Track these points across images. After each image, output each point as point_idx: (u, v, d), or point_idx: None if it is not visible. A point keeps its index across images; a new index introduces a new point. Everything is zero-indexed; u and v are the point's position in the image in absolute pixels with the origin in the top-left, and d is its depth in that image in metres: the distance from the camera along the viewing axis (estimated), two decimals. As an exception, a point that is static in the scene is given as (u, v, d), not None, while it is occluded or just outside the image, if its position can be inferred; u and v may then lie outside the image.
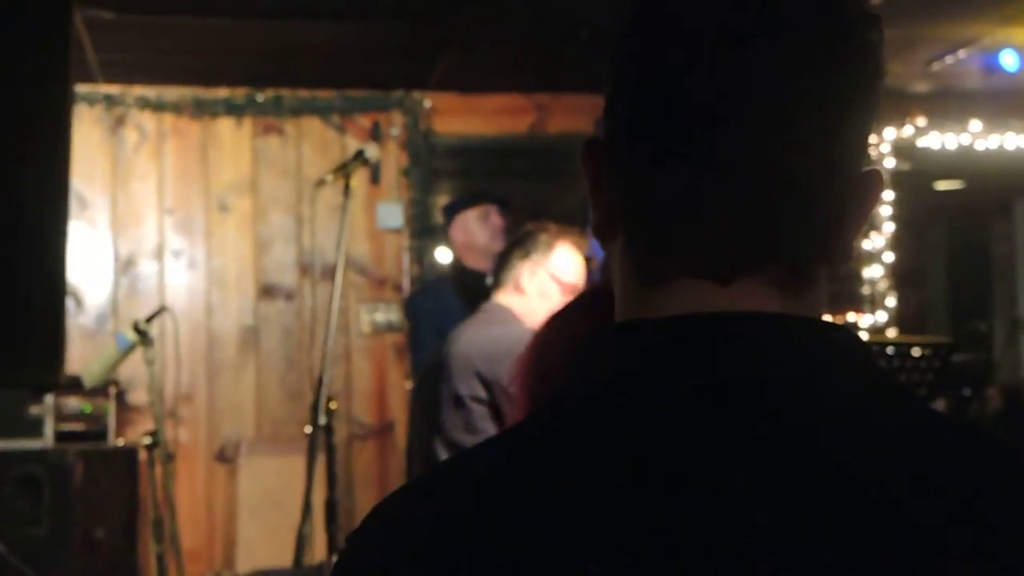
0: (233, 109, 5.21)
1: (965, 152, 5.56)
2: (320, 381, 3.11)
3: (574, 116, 5.25)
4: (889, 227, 5.54)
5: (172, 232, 5.20)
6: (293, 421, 5.06)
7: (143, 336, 3.54)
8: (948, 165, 5.65)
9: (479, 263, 4.20)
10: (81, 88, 4.86)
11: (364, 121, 5.32)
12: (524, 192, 5.34)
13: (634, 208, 0.71)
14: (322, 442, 3.15)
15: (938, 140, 5.56)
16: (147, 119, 5.18)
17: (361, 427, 5.28)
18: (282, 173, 5.26)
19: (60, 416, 4.60)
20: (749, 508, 0.61)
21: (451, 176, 5.60)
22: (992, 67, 4.94)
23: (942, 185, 6.14)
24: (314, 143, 5.28)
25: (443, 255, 5.31)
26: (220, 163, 5.22)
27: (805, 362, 0.66)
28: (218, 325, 5.20)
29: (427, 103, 5.37)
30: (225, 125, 5.24)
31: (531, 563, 0.62)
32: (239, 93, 5.23)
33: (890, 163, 5.49)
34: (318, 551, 3.33)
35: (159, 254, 5.19)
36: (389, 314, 5.28)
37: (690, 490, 0.62)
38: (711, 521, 0.61)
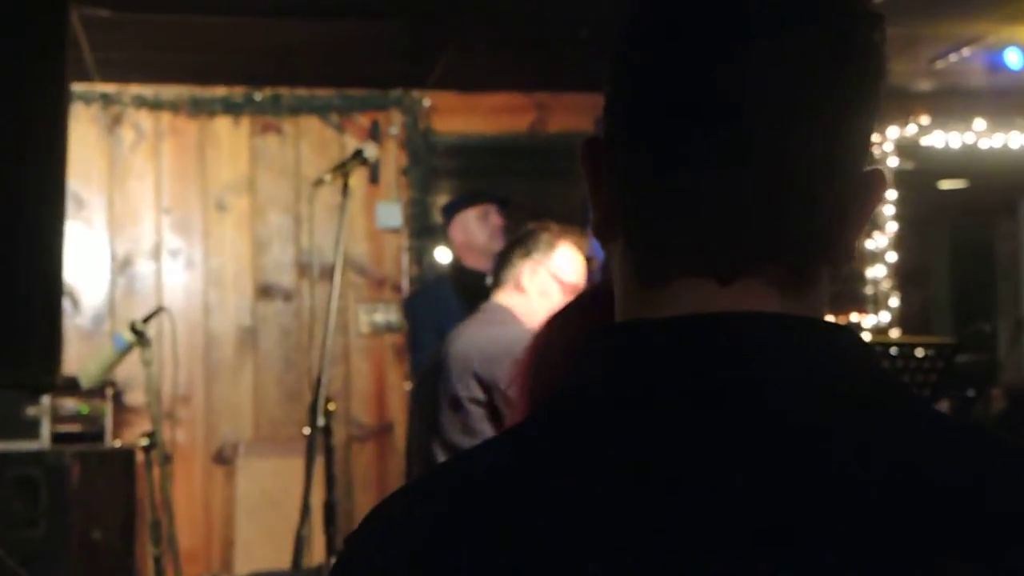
0: (231, 108, 5.21)
1: (969, 151, 5.57)
2: (319, 382, 3.11)
3: (574, 115, 5.25)
4: (892, 227, 5.54)
5: (169, 232, 5.20)
6: (291, 422, 5.05)
7: (140, 337, 3.54)
8: (952, 164, 5.65)
9: (478, 263, 4.20)
10: (77, 87, 4.84)
11: (363, 120, 5.32)
12: (524, 191, 5.34)
13: (634, 208, 0.71)
14: (321, 443, 3.15)
15: (942, 139, 5.55)
16: (144, 118, 5.17)
17: (360, 428, 5.28)
18: (280, 172, 5.26)
19: (57, 417, 4.60)
20: (749, 508, 0.61)
21: (451, 175, 5.59)
22: (996, 65, 4.93)
23: (946, 184, 6.14)
24: (312, 142, 5.27)
25: (442, 255, 5.31)
26: (218, 162, 5.22)
27: (806, 362, 0.66)
28: (216, 325, 5.20)
29: (426, 102, 5.36)
30: (223, 124, 5.23)
31: (531, 563, 0.62)
32: (237, 92, 5.22)
33: (893, 162, 5.49)
34: (316, 553, 3.32)
35: (156, 254, 5.19)
36: (388, 314, 5.28)
37: (690, 490, 0.62)
38: (711, 521, 0.61)
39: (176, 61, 4.90)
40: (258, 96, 5.23)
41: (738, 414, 0.64)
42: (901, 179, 5.43)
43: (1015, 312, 6.09)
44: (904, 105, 5.44)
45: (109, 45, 4.57)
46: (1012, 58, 4.87)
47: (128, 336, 3.54)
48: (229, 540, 4.99)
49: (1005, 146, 5.60)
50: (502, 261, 3.01)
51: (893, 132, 5.49)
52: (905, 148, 5.51)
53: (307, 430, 3.14)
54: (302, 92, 5.25)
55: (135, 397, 4.98)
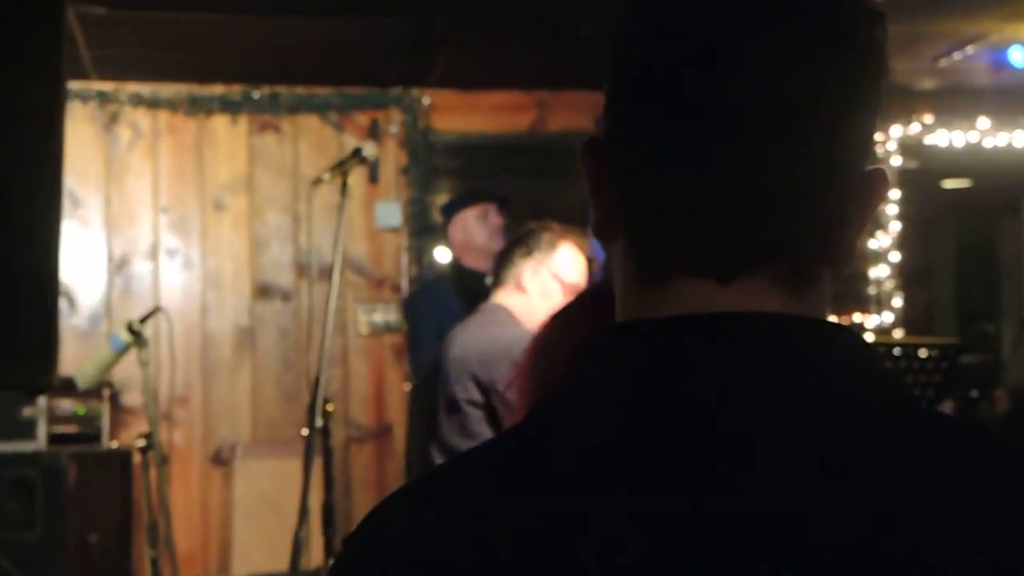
0: (229, 106, 5.20)
1: (973, 150, 5.56)
2: (317, 382, 3.10)
3: (575, 113, 5.24)
4: (895, 226, 5.54)
5: (167, 231, 5.19)
6: (290, 423, 5.04)
7: (137, 337, 3.53)
8: (956, 163, 5.65)
9: (478, 263, 4.21)
10: (74, 85, 4.84)
11: (362, 119, 5.31)
12: (525, 190, 5.37)
13: (635, 208, 0.71)
14: (319, 444, 3.15)
15: (945, 138, 5.55)
16: (141, 116, 5.17)
17: (359, 429, 5.27)
18: (279, 171, 5.25)
19: (53, 418, 4.60)
20: (749, 508, 0.62)
21: (450, 174, 5.60)
22: (1000, 63, 4.92)
23: (949, 183, 6.14)
24: (311, 141, 5.27)
25: (442, 254, 5.31)
26: (215, 161, 5.21)
27: (805, 362, 0.66)
28: (213, 326, 5.19)
29: (426, 100, 5.36)
30: (221, 122, 5.22)
31: (531, 563, 0.62)
32: (235, 90, 5.21)
33: (897, 161, 5.49)
34: (315, 555, 3.32)
35: (153, 254, 5.18)
36: (387, 315, 5.27)
37: (690, 490, 0.63)
38: (711, 521, 0.62)
39: (173, 59, 4.89)
40: (256, 94, 5.22)
41: (738, 414, 0.64)
42: (904, 178, 5.44)
43: (1019, 312, 6.11)
44: (908, 103, 5.44)
45: (106, 42, 4.56)
46: (1016, 56, 4.88)
47: (125, 336, 3.54)
48: (227, 542, 4.98)
49: (1009, 145, 5.60)
50: (503, 260, 3.01)
51: (896, 131, 5.48)
52: (909, 147, 5.50)
53: (305, 431, 3.14)
54: (301, 90, 5.25)
55: (132, 398, 4.97)
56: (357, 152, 3.30)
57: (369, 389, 5.28)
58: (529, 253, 2.93)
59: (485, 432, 2.72)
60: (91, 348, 4.70)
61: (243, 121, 5.22)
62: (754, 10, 0.67)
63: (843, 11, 0.68)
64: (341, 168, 3.30)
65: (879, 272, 5.51)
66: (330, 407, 3.13)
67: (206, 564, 5.08)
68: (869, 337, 4.93)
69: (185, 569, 4.35)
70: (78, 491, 4.48)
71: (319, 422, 3.10)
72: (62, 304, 4.08)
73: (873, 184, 0.71)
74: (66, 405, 4.61)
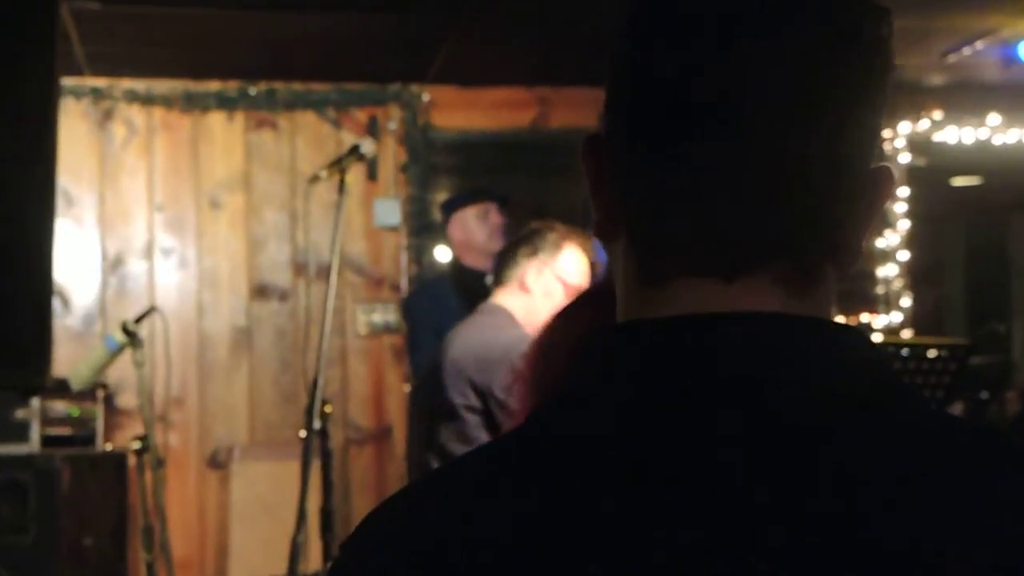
0: (225, 103, 5.18)
1: (983, 147, 5.56)
2: (315, 384, 3.09)
3: (577, 110, 5.22)
4: (904, 224, 5.54)
5: (162, 230, 5.17)
6: (287, 425, 5.04)
7: (132, 337, 3.52)
8: (965, 160, 5.65)
9: (478, 262, 4.21)
10: (67, 81, 4.81)
11: (360, 115, 5.29)
12: (526, 188, 5.40)
13: (636, 207, 0.71)
14: (317, 447, 3.14)
15: (955, 134, 5.55)
16: (136, 113, 5.15)
17: (358, 431, 5.26)
18: (276, 169, 5.24)
19: (46, 420, 4.59)
20: (749, 508, 0.62)
21: (450, 172, 5.63)
22: (1010, 59, 4.91)
23: (959, 181, 6.15)
24: (309, 138, 5.25)
25: (442, 253, 5.31)
26: (211, 159, 5.20)
27: (807, 362, 0.66)
28: (210, 326, 5.17)
29: (425, 96, 5.34)
30: (217, 119, 5.20)
31: (531, 564, 0.62)
32: (231, 86, 5.19)
33: (905, 158, 5.49)
34: (313, 560, 3.31)
35: (148, 253, 5.16)
36: (386, 315, 5.25)
37: (690, 490, 0.63)
38: (711, 521, 0.62)
39: (169, 55, 4.88)
40: (253, 91, 5.20)
41: (737, 414, 0.64)
42: (913, 176, 5.45)
43: (1030, 312, 6.12)
44: (916, 100, 5.44)
45: (100, 38, 4.54)
46: (1027, 51, 4.86)
47: (120, 337, 3.53)
48: (223, 546, 4.97)
49: (1020, 142, 5.60)
50: (505, 259, 3.01)
51: (905, 127, 5.48)
52: (917, 144, 5.51)
53: (303, 433, 3.13)
54: (298, 86, 5.23)
55: (127, 399, 4.96)
56: (355, 149, 3.29)
57: (368, 390, 5.27)
58: (534, 253, 2.94)
59: (483, 438, 2.72)
60: (85, 349, 4.68)
61: (239, 118, 5.21)
62: (756, 7, 0.67)
63: (847, 8, 0.68)
64: (339, 165, 3.28)
65: (887, 271, 5.52)
66: (328, 409, 3.12)
67: (202, 568, 5.08)
68: (877, 337, 4.92)
69: (181, 573, 4.33)
70: (72, 494, 4.48)
71: (317, 424, 3.09)
72: (56, 304, 4.11)
73: (879, 182, 0.71)
74: (60, 407, 4.60)
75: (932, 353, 3.15)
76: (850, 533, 0.61)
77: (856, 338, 0.69)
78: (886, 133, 5.30)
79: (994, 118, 5.53)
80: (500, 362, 2.61)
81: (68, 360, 4.29)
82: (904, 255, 5.52)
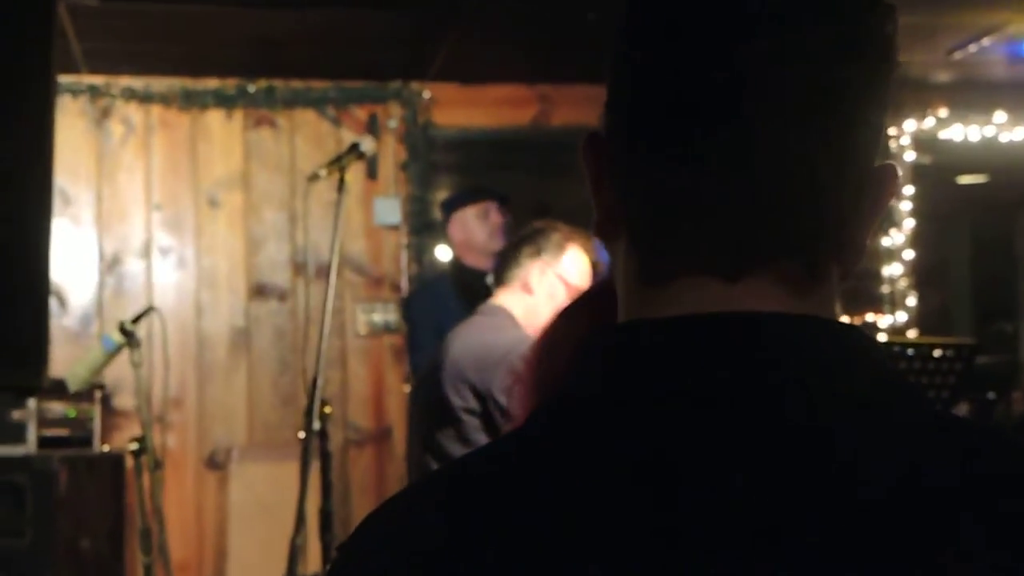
0: (223, 101, 5.17)
1: (989, 144, 5.56)
2: (315, 384, 3.08)
3: (579, 108, 5.21)
4: (909, 223, 5.54)
5: (160, 229, 5.17)
6: (286, 426, 5.03)
7: (130, 338, 3.50)
8: (971, 158, 5.65)
9: (478, 262, 4.20)
10: (64, 79, 4.82)
11: (360, 113, 5.29)
12: (527, 187, 5.40)
13: (636, 206, 0.71)
14: (316, 448, 3.13)
15: (961, 132, 5.56)
16: (133, 111, 5.14)
17: (357, 432, 5.26)
18: (275, 167, 5.23)
19: (43, 421, 4.58)
20: (749, 508, 0.62)
21: (451, 170, 5.66)
22: (1017, 56, 4.91)
23: (965, 179, 6.15)
24: (308, 136, 5.25)
25: (443, 253, 5.32)
26: (210, 157, 5.19)
27: (810, 363, 0.66)
28: (208, 326, 5.16)
29: (426, 94, 5.33)
30: (215, 117, 5.20)
31: (531, 564, 0.62)
32: (230, 84, 5.19)
33: (911, 156, 5.49)
34: (312, 562, 3.31)
35: (146, 252, 5.15)
36: (386, 314, 5.25)
37: (690, 490, 0.63)
38: (711, 521, 0.62)
39: (167, 52, 4.87)
40: (252, 88, 5.19)
41: (738, 414, 0.64)
42: (918, 174, 5.45)
43: (1037, 311, 6.12)
44: (922, 97, 5.44)
45: (97, 35, 4.53)
46: (1033, 48, 4.85)
47: (117, 337, 3.51)
48: (222, 548, 4.96)
49: (1026, 139, 5.65)
50: (507, 259, 3.00)
51: (910, 125, 5.48)
52: (923, 142, 5.51)
53: (302, 434, 3.12)
54: (297, 84, 5.23)
55: (124, 400, 4.95)
56: (355, 147, 3.28)
57: (368, 391, 5.27)
58: (538, 253, 2.93)
59: (482, 440, 2.71)
60: (82, 349, 4.67)
61: (238, 116, 5.20)
62: (756, 9, 0.67)
63: (851, 5, 0.68)
64: (339, 164, 3.27)
65: (892, 270, 5.52)
66: (328, 409, 3.12)
67: (201, 570, 5.07)
68: (882, 337, 4.91)
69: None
70: (69, 496, 4.47)
71: (316, 425, 3.09)
72: (52, 304, 4.06)
73: (884, 180, 0.71)
74: (56, 408, 4.59)
75: (938, 353, 3.15)
76: (851, 533, 0.61)
77: (860, 338, 0.69)
78: (891, 131, 5.30)
79: (1000, 116, 5.54)
80: (500, 364, 2.62)
81: (65, 360, 4.26)
82: (909, 254, 5.53)
